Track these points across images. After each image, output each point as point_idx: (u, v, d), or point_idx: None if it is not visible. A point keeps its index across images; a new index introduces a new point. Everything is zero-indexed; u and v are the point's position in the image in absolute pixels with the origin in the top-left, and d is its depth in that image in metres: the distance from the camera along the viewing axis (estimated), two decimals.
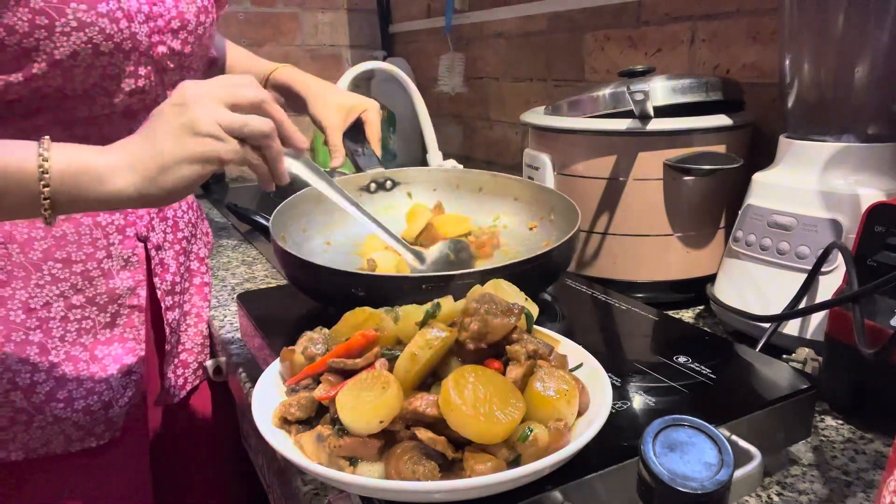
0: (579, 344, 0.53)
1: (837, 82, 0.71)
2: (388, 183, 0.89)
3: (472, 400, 0.40)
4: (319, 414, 0.46)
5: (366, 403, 0.41)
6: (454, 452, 0.41)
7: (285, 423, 0.47)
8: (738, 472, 0.42)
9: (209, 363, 0.89)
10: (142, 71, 0.72)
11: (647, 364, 0.57)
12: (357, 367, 0.46)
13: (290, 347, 0.51)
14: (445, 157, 1.46)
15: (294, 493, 0.56)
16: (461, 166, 1.43)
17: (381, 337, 0.47)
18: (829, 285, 0.66)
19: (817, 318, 0.68)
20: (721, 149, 0.84)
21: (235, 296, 0.82)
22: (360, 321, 0.48)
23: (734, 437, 0.47)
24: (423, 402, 0.42)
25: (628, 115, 0.82)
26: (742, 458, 0.44)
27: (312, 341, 0.51)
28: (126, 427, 0.79)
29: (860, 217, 0.61)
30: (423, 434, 0.41)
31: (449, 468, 0.41)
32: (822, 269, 0.67)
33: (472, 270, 0.64)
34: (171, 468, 0.93)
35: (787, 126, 0.78)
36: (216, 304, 0.94)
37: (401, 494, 0.40)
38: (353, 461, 0.42)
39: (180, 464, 0.95)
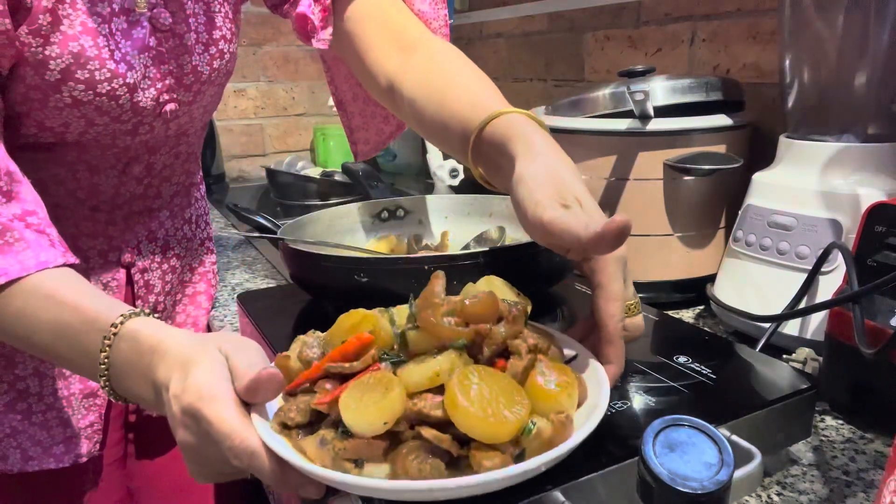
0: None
1: (837, 82, 0.71)
2: (400, 211, 0.90)
3: (478, 401, 0.40)
4: (319, 419, 0.46)
5: (370, 405, 0.41)
6: (459, 449, 0.41)
7: (285, 428, 0.46)
8: (738, 472, 0.42)
9: None
10: (147, 123, 0.68)
11: (647, 364, 0.57)
12: (355, 371, 0.45)
13: (285, 353, 0.50)
14: (445, 157, 1.45)
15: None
16: (461, 167, 1.43)
17: (377, 339, 0.47)
18: (829, 285, 0.66)
19: (817, 318, 0.68)
20: (721, 149, 0.84)
21: (235, 296, 0.81)
22: (355, 322, 0.48)
23: (734, 437, 0.47)
24: (427, 404, 0.41)
25: (628, 115, 0.82)
26: (742, 458, 0.44)
27: (307, 345, 0.50)
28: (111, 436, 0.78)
29: (860, 217, 0.61)
30: (429, 433, 0.41)
31: (455, 465, 0.41)
32: (822, 269, 0.67)
33: (472, 252, 0.64)
34: (168, 470, 0.92)
35: (787, 126, 0.78)
36: (216, 304, 0.94)
37: (412, 494, 0.40)
38: (358, 463, 0.42)
39: (178, 465, 0.94)
